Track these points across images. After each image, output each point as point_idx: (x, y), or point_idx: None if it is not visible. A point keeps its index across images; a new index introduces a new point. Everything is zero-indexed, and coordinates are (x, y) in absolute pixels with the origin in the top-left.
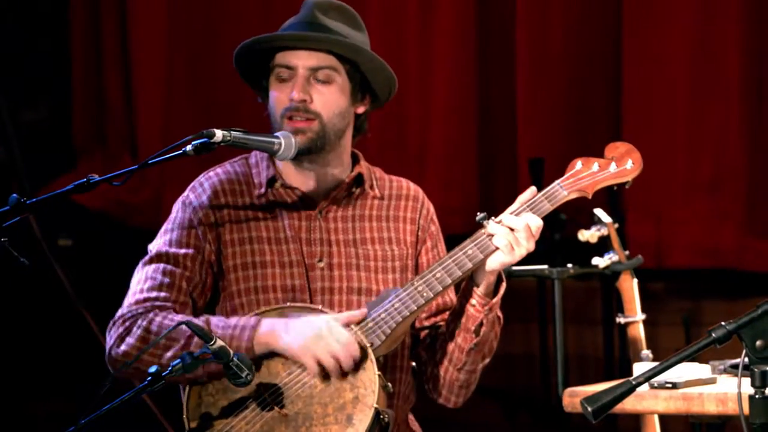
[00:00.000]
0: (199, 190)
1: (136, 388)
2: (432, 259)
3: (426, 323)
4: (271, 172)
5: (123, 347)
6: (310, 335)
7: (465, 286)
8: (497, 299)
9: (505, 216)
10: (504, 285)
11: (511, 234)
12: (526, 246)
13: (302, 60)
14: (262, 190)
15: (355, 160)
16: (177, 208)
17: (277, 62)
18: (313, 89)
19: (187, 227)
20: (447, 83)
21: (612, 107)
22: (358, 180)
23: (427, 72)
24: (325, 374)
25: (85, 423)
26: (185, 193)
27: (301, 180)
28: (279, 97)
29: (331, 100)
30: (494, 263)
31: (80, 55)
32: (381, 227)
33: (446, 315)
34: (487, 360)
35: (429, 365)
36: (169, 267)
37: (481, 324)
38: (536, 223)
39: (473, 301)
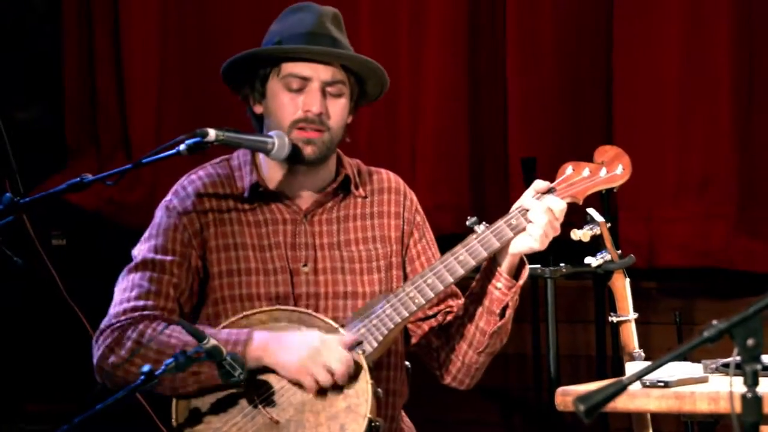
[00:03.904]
0: (182, 194)
1: (129, 387)
2: (421, 249)
3: (429, 312)
4: (254, 177)
5: (112, 358)
6: (305, 353)
7: (486, 267)
8: (522, 282)
9: (534, 201)
10: (527, 268)
11: (549, 216)
12: (554, 232)
13: (318, 72)
14: (245, 195)
15: (338, 161)
16: (161, 213)
17: (288, 71)
18: (328, 102)
19: (172, 233)
20: (437, 81)
21: (603, 107)
22: (344, 183)
23: (418, 69)
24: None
25: (78, 422)
26: (168, 197)
27: (286, 185)
28: (289, 107)
29: (340, 114)
30: (521, 247)
31: (73, 53)
32: (365, 226)
33: (449, 302)
34: (504, 341)
35: (443, 351)
36: (155, 274)
37: (506, 306)
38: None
39: (498, 284)
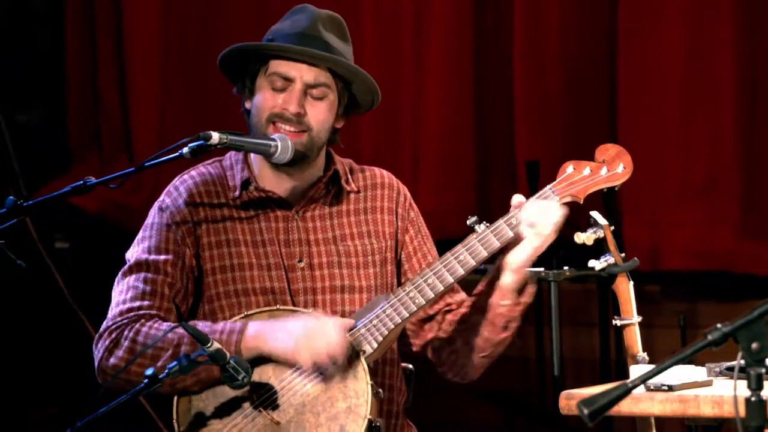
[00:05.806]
0: (174, 194)
1: (132, 390)
2: (417, 246)
3: (430, 312)
4: (245, 174)
5: (112, 360)
6: (301, 334)
7: (490, 281)
8: (528, 299)
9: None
10: (533, 287)
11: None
12: (552, 234)
13: (301, 73)
14: (237, 192)
15: (329, 158)
16: (153, 213)
17: (274, 70)
18: (308, 103)
19: (165, 232)
20: (442, 85)
21: (607, 110)
22: (334, 178)
23: (423, 73)
24: (317, 379)
25: (81, 425)
26: (161, 198)
27: (276, 183)
28: (268, 101)
29: (322, 116)
30: (519, 257)
31: (75, 56)
32: (359, 221)
33: (448, 299)
34: (508, 343)
35: (444, 351)
36: (150, 275)
37: (510, 321)
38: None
39: (505, 301)
